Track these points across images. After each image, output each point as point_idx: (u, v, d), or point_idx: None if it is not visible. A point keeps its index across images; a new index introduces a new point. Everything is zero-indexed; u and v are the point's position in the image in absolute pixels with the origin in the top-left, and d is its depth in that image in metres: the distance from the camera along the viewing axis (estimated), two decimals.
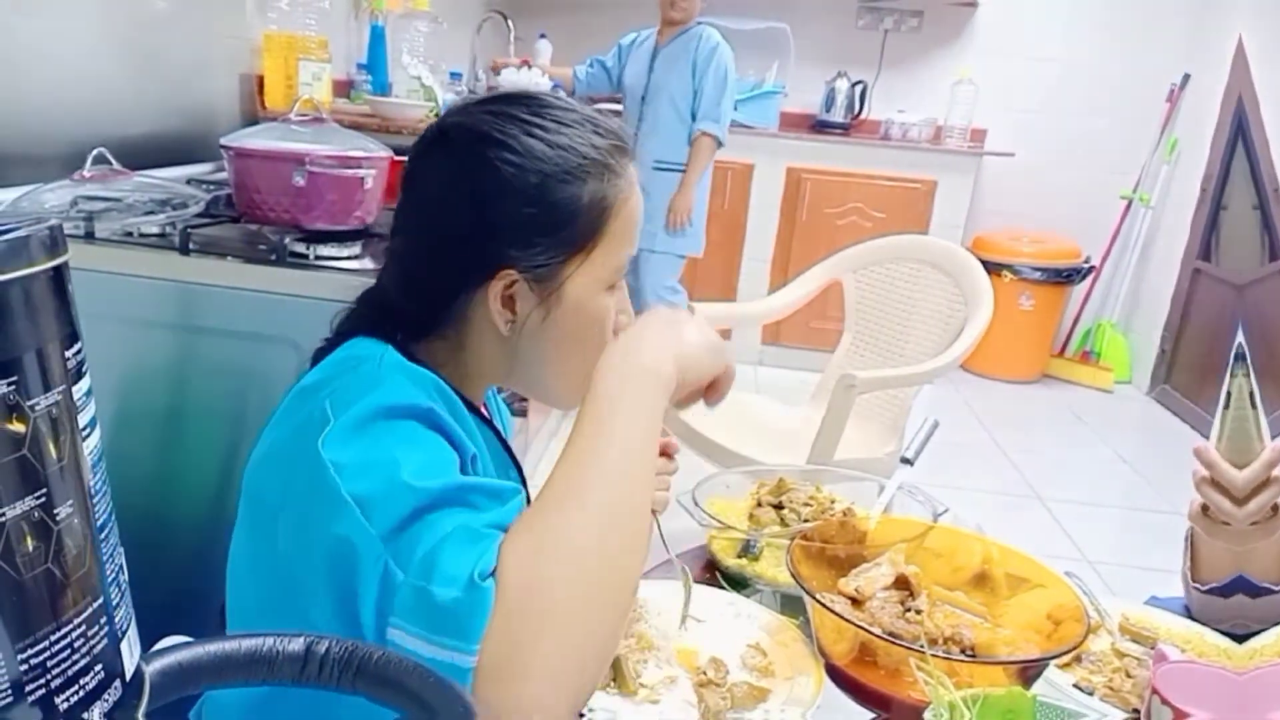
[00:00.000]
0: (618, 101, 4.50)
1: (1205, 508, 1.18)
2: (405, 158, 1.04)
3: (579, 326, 1.00)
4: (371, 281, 1.08)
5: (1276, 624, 1.13)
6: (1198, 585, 1.25)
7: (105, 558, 0.42)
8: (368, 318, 1.02)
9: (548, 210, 0.95)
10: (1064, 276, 5.33)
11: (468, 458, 0.92)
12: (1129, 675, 1.09)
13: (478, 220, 0.95)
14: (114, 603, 0.43)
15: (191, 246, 1.45)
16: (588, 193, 0.96)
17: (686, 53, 4.08)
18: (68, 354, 0.40)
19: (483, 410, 1.07)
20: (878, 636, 1.01)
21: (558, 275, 0.97)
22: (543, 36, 4.70)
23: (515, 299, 0.97)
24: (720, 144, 4.13)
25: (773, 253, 5.32)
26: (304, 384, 0.94)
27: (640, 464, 0.82)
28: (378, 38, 3.17)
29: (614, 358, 0.86)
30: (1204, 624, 1.22)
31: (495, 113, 0.97)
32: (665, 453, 1.14)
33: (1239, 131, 4.83)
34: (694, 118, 4.10)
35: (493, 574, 0.73)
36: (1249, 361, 1.13)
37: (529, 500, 1.11)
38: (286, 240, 1.53)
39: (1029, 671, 1.00)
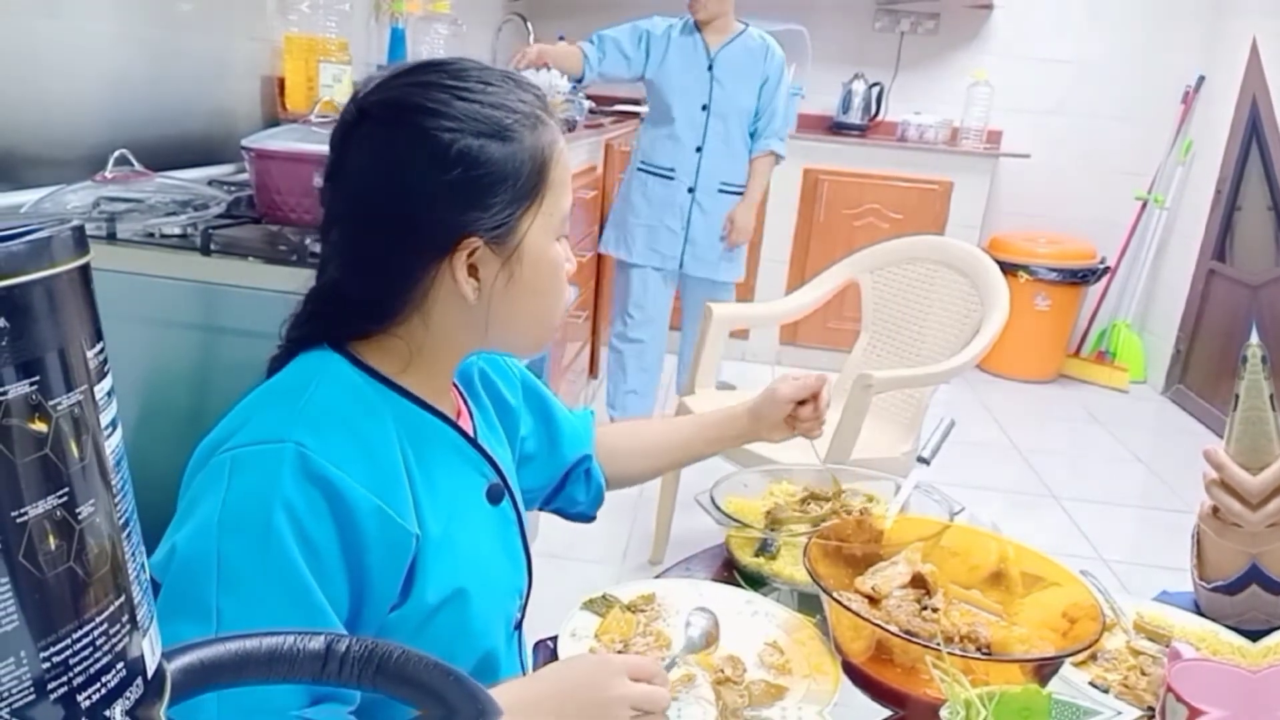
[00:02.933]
0: (638, 102, 4.44)
1: (1215, 509, 1.18)
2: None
3: (539, 279, 1.02)
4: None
5: None
6: (1204, 584, 1.25)
7: (127, 556, 0.42)
8: (320, 317, 1.01)
9: (497, 168, 0.95)
10: (1079, 277, 5.30)
11: (403, 505, 0.93)
12: (1144, 673, 1.09)
13: (429, 192, 0.94)
14: (136, 600, 0.43)
15: (213, 247, 1.46)
16: (529, 145, 0.97)
17: (754, 65, 3.70)
18: (90, 354, 0.40)
19: (441, 407, 1.05)
20: (894, 634, 1.01)
21: (516, 232, 0.98)
22: (561, 38, 4.69)
23: (478, 266, 0.98)
24: (778, 161, 3.87)
25: (790, 253, 5.32)
26: (214, 437, 0.94)
27: None
28: (398, 40, 3.17)
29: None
30: (1212, 620, 1.22)
31: (419, 83, 0.96)
32: None
33: (1253, 133, 4.80)
34: (752, 134, 3.76)
35: None
36: (1264, 362, 1.12)
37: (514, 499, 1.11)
38: (307, 241, 1.53)
39: (1044, 669, 1.00)
